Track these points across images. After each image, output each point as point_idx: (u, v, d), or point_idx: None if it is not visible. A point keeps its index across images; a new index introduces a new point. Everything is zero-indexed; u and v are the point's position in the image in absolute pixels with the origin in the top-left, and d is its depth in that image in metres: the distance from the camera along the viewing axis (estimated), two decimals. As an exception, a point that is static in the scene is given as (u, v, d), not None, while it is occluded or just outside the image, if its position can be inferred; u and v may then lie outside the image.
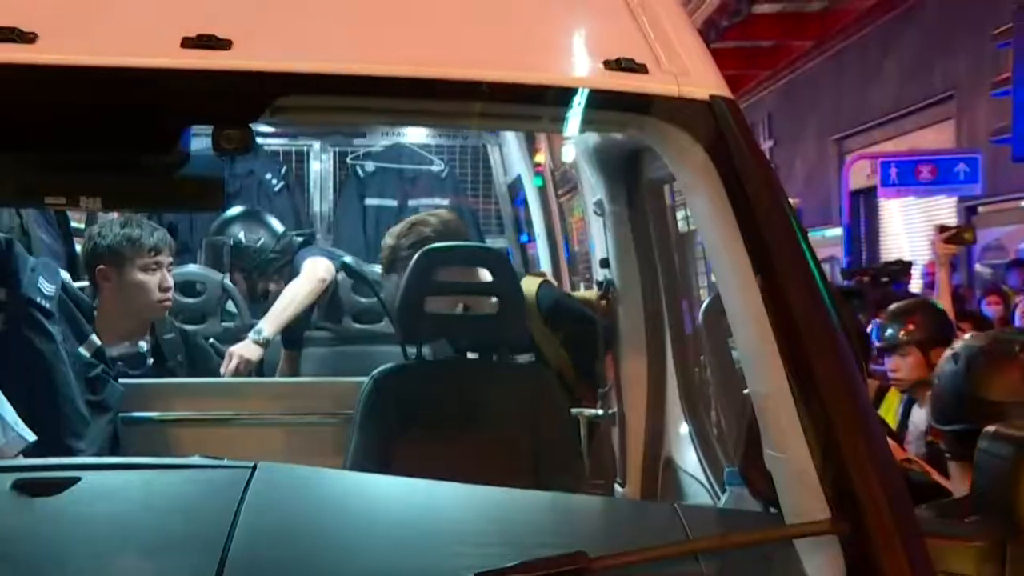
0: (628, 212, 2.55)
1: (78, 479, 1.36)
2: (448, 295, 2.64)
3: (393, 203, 4.63)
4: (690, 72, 1.36)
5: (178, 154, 1.30)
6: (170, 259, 2.88)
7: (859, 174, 11.02)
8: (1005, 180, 9.20)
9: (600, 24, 1.45)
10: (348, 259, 3.53)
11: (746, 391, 1.35)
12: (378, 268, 3.44)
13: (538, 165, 3.98)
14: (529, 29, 1.40)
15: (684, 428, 2.56)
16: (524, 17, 1.42)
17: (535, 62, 1.36)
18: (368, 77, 1.27)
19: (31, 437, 2.07)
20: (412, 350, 2.62)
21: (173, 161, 1.30)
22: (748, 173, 1.32)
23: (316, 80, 1.26)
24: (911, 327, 3.64)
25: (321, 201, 4.79)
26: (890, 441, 3.24)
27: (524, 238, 4.39)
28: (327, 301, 3.53)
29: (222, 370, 3.10)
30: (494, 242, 4.39)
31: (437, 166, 4.66)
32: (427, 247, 2.65)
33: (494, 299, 2.61)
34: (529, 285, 2.90)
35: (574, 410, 2.70)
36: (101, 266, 2.81)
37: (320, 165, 4.78)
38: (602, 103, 1.34)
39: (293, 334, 3.44)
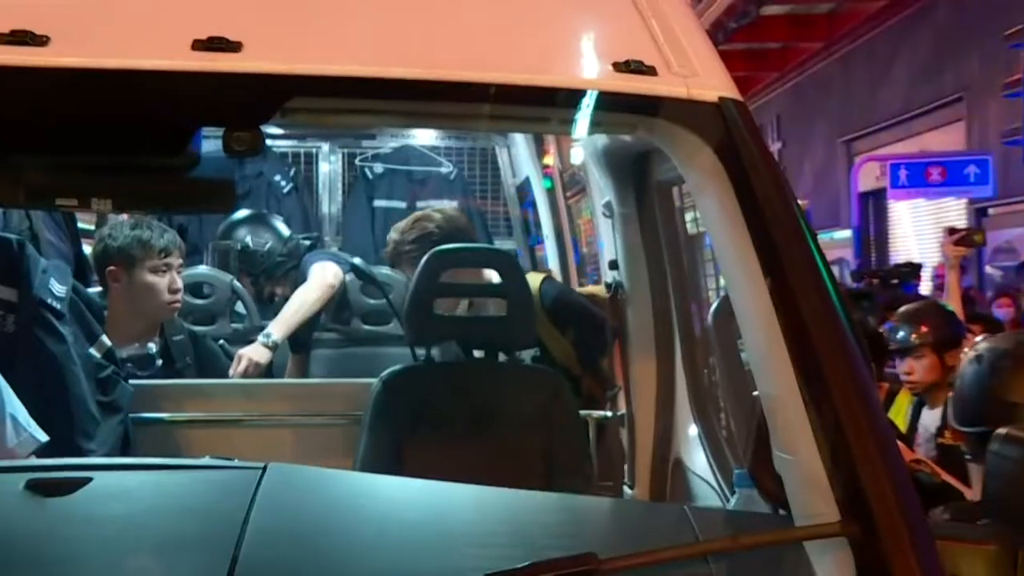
0: (637, 214, 2.55)
1: (90, 479, 1.37)
2: (457, 297, 2.65)
3: (402, 205, 4.64)
4: (699, 74, 1.36)
5: (189, 156, 1.30)
6: (180, 261, 2.89)
7: (868, 176, 10.99)
8: (1016, 182, 9.17)
9: (609, 26, 1.45)
10: (357, 260, 3.54)
11: (755, 393, 1.35)
12: (387, 269, 3.45)
13: (547, 167, 3.98)
14: (539, 31, 1.41)
15: (693, 430, 2.56)
16: (534, 19, 1.42)
17: (545, 64, 1.36)
18: (378, 79, 1.27)
19: (43, 437, 2.08)
20: (421, 351, 2.63)
21: (184, 163, 1.30)
22: (757, 175, 1.32)
23: (326, 82, 1.26)
24: (924, 329, 3.63)
25: (330, 203, 4.80)
26: (899, 443, 3.24)
27: (533, 240, 4.39)
28: (336, 303, 3.54)
29: (231, 372, 3.11)
30: (503, 244, 4.39)
31: (446, 168, 4.66)
32: (436, 249, 2.66)
33: (500, 299, 2.62)
34: (532, 281, 2.91)
35: (583, 412, 2.71)
36: (111, 267, 2.82)
37: (329, 167, 4.79)
38: (611, 105, 1.34)
39: (300, 339, 3.46)
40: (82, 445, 2.32)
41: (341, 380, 3.10)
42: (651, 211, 2.55)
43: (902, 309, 3.94)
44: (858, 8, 11.44)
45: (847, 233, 11.08)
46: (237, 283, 3.58)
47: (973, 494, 2.18)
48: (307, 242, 3.78)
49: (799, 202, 1.39)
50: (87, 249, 3.09)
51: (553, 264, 3.89)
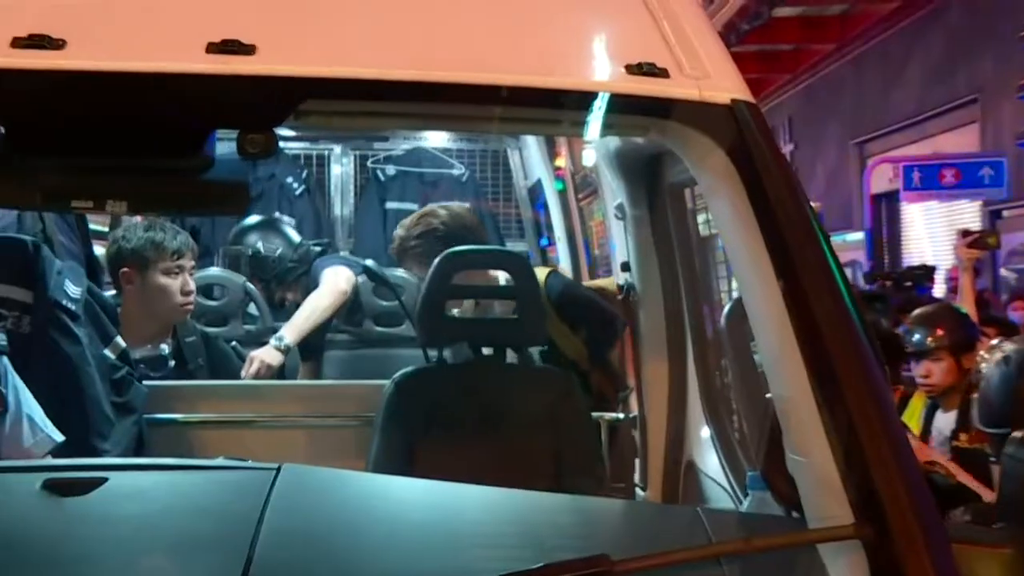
0: (649, 216, 2.55)
1: (106, 479, 1.38)
2: (470, 298, 2.65)
3: (414, 207, 4.63)
4: (711, 76, 1.36)
5: (203, 158, 1.31)
6: (192, 263, 2.91)
7: (881, 178, 10.94)
8: (1031, 184, 9.11)
9: (622, 28, 1.46)
10: (370, 262, 3.55)
11: (768, 395, 1.35)
12: (399, 271, 3.46)
13: (558, 169, 3.98)
14: (552, 34, 1.41)
15: (705, 432, 2.55)
16: (547, 22, 1.42)
17: (558, 66, 1.36)
18: (391, 82, 1.28)
19: (59, 437, 2.10)
20: (433, 353, 2.63)
21: (198, 165, 1.31)
22: (770, 177, 1.32)
23: (340, 84, 1.27)
24: (940, 332, 3.62)
25: (342, 205, 4.81)
26: (916, 441, 3.23)
27: (544, 242, 4.39)
28: (348, 305, 3.55)
29: (243, 373, 3.12)
30: (514, 246, 4.40)
31: (458, 170, 4.66)
32: (448, 251, 2.66)
33: (507, 299, 2.62)
34: (538, 275, 2.91)
35: (595, 414, 2.71)
36: (124, 269, 2.83)
37: (341, 169, 4.80)
38: (624, 107, 1.34)
39: (311, 345, 3.47)
40: (97, 445, 2.33)
41: (353, 382, 3.11)
42: (663, 213, 2.55)
43: (917, 312, 3.92)
44: (871, 10, 11.39)
45: (859, 235, 11.03)
46: (250, 284, 3.59)
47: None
48: (318, 248, 3.79)
49: (812, 204, 1.39)
50: (98, 251, 3.11)
51: (565, 266, 3.89)
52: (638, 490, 2.67)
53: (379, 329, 3.59)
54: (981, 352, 3.46)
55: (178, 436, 2.73)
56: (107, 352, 2.51)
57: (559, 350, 2.90)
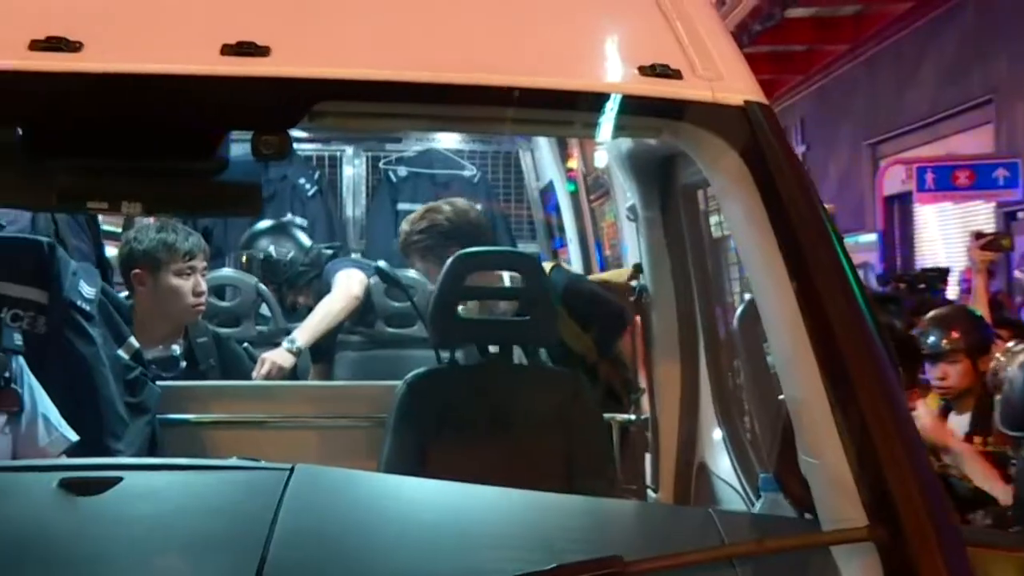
0: (661, 217, 2.55)
1: (120, 479, 1.39)
2: (482, 299, 2.65)
3: (426, 208, 4.65)
4: (725, 77, 1.36)
5: (218, 160, 1.31)
6: (204, 264, 2.92)
7: (894, 179, 10.89)
8: (1046, 186, 9.05)
9: (635, 30, 1.46)
10: (382, 263, 3.56)
11: (781, 396, 1.34)
12: (411, 272, 3.47)
13: (570, 170, 3.98)
14: (565, 35, 1.41)
15: (717, 433, 2.55)
16: (560, 23, 1.43)
17: (571, 68, 1.36)
18: (404, 83, 1.28)
19: (74, 437, 2.11)
20: (445, 354, 2.64)
21: (213, 166, 1.32)
22: (783, 178, 1.32)
23: (354, 86, 1.27)
24: (955, 335, 3.61)
25: (354, 206, 4.82)
26: (934, 420, 3.20)
27: (556, 243, 4.39)
28: (360, 306, 3.56)
29: (254, 374, 3.13)
30: (526, 247, 4.40)
31: (469, 171, 4.67)
32: (460, 252, 2.67)
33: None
34: None
35: (607, 415, 2.71)
36: (136, 270, 2.85)
37: (353, 170, 4.81)
38: (637, 109, 1.34)
39: (322, 348, 3.48)
40: (110, 445, 2.34)
41: (365, 383, 3.12)
42: (676, 215, 2.54)
43: (931, 314, 3.91)
44: (884, 10, 11.34)
45: (872, 237, 10.98)
46: (262, 285, 3.60)
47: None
48: (329, 251, 3.80)
49: (826, 206, 1.39)
50: (109, 252, 3.13)
51: (577, 267, 3.89)
52: (649, 492, 2.66)
53: (391, 330, 3.60)
54: (997, 355, 3.44)
55: (191, 436, 2.74)
56: (121, 352, 2.52)
57: (566, 345, 2.90)
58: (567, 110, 1.38)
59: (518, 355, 2.70)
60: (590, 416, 2.60)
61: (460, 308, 2.67)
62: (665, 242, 2.56)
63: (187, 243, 2.85)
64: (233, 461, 1.62)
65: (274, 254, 3.69)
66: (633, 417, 2.73)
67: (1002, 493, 2.77)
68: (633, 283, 2.68)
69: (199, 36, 1.28)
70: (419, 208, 4.33)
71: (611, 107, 1.33)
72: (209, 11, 1.34)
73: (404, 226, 3.09)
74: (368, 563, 1.27)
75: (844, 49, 12.58)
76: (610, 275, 3.12)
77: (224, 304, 3.53)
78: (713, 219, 2.66)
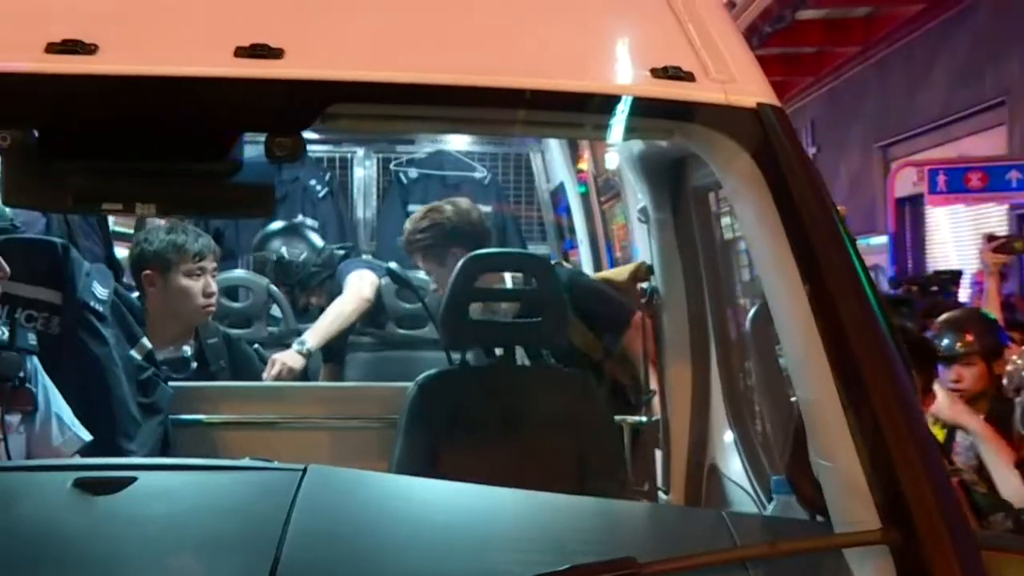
0: (673, 219, 2.55)
1: (135, 479, 1.40)
2: (493, 301, 2.66)
3: (436, 210, 4.65)
4: (737, 80, 1.36)
5: (231, 161, 1.32)
6: (214, 265, 2.93)
7: (905, 181, 10.85)
8: (1059, 188, 8.99)
9: (647, 32, 1.46)
10: (393, 265, 3.57)
11: (793, 398, 1.34)
12: (422, 274, 3.48)
13: (581, 172, 3.99)
14: (577, 38, 1.41)
15: (728, 435, 2.55)
16: (572, 25, 1.43)
17: (583, 70, 1.37)
18: (417, 85, 1.28)
19: (87, 437, 2.12)
20: (456, 355, 2.64)
21: (226, 168, 1.32)
22: (796, 180, 1.32)
23: (367, 88, 1.28)
24: (969, 338, 3.60)
25: (364, 207, 4.83)
26: (951, 399, 3.18)
27: (567, 244, 4.39)
28: (372, 307, 3.56)
29: (265, 375, 3.14)
30: (536, 249, 4.40)
31: (480, 173, 4.68)
32: (472, 254, 2.67)
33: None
34: None
35: (618, 417, 2.71)
36: (147, 271, 2.86)
37: (364, 171, 4.82)
38: (649, 111, 1.34)
39: (333, 348, 3.49)
40: (123, 446, 2.36)
41: (377, 384, 3.13)
42: (687, 216, 2.54)
43: (944, 317, 3.89)
44: (895, 12, 11.30)
45: (882, 239, 10.93)
46: (273, 287, 3.62)
47: None
48: (341, 252, 3.81)
49: (838, 208, 1.38)
50: (118, 252, 3.14)
51: (587, 269, 3.89)
52: (660, 493, 2.66)
53: (402, 331, 3.61)
54: (1013, 357, 3.43)
55: (202, 437, 2.75)
56: (133, 353, 2.54)
57: (571, 343, 2.90)
58: (580, 112, 1.38)
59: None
60: (602, 418, 2.60)
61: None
62: (676, 244, 2.56)
63: (197, 244, 2.86)
64: (246, 462, 1.62)
65: (287, 255, 3.71)
66: (644, 419, 2.73)
67: (1017, 489, 2.77)
68: (644, 285, 2.68)
69: (213, 38, 1.29)
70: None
71: (624, 109, 1.33)
72: (223, 13, 1.35)
73: (407, 224, 3.11)
74: (380, 564, 1.27)
75: (855, 51, 12.54)
76: (611, 273, 3.13)
77: (236, 305, 3.54)
78: (724, 221, 2.66)
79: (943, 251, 11.35)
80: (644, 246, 2.73)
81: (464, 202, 3.19)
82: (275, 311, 3.66)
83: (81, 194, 1.32)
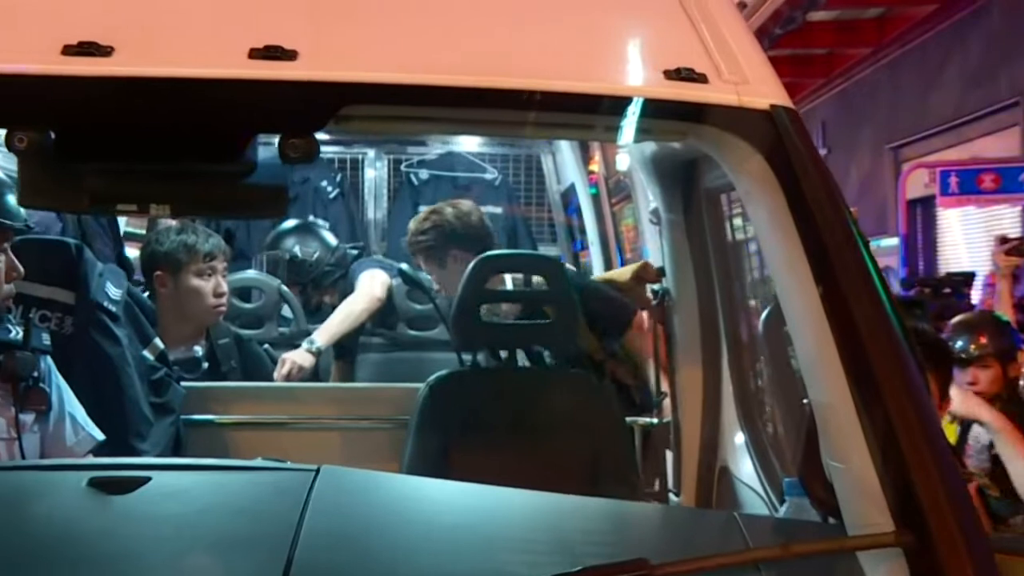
0: (684, 221, 2.54)
1: (149, 479, 1.40)
2: (505, 302, 2.66)
3: (447, 211, 4.66)
4: (750, 81, 1.36)
5: (245, 163, 1.33)
6: (225, 265, 2.94)
7: (916, 183, 10.80)
8: (1072, 190, 8.94)
9: (660, 33, 1.46)
10: (404, 266, 3.58)
11: (806, 400, 1.34)
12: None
13: (591, 173, 3.98)
14: (590, 39, 1.41)
15: (740, 437, 2.54)
16: (585, 27, 1.43)
17: (595, 72, 1.37)
18: (430, 87, 1.29)
19: (100, 436, 2.13)
20: (467, 357, 2.65)
21: (240, 169, 1.33)
22: (809, 182, 1.31)
23: (380, 90, 1.28)
24: (983, 340, 3.58)
25: (375, 208, 4.84)
26: (963, 393, 3.15)
27: (577, 246, 4.39)
28: (382, 309, 3.57)
29: (275, 375, 3.15)
30: (547, 250, 4.40)
31: (491, 174, 4.68)
32: (483, 255, 2.68)
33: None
34: None
35: (629, 419, 2.70)
36: (158, 272, 2.87)
37: (375, 173, 4.83)
38: (662, 112, 1.34)
39: (345, 346, 3.50)
40: (135, 445, 2.37)
41: (388, 384, 3.13)
42: (699, 218, 2.54)
43: (958, 319, 3.88)
44: (907, 13, 11.25)
45: (894, 241, 10.89)
46: (284, 287, 3.63)
47: None
48: (354, 251, 3.82)
49: (850, 209, 1.38)
50: (129, 252, 3.15)
51: (598, 271, 3.89)
52: (671, 495, 2.66)
53: (413, 332, 3.62)
54: None
55: (214, 437, 2.76)
56: (146, 353, 2.55)
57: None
58: (592, 113, 1.38)
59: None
60: (612, 419, 2.60)
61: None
62: (688, 245, 2.56)
63: (207, 244, 2.87)
64: (260, 462, 1.63)
65: (300, 253, 3.72)
66: (655, 420, 2.73)
67: None
68: (655, 287, 2.68)
69: (227, 40, 1.29)
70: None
71: (636, 110, 1.33)
72: (237, 15, 1.35)
73: (411, 226, 3.13)
74: (392, 564, 1.27)
75: (866, 52, 12.50)
76: (613, 274, 3.13)
77: (247, 306, 3.55)
78: (736, 222, 2.66)
79: (955, 253, 11.30)
80: (655, 247, 2.72)
81: (466, 204, 3.20)
82: (286, 311, 3.67)
83: (96, 195, 1.33)
